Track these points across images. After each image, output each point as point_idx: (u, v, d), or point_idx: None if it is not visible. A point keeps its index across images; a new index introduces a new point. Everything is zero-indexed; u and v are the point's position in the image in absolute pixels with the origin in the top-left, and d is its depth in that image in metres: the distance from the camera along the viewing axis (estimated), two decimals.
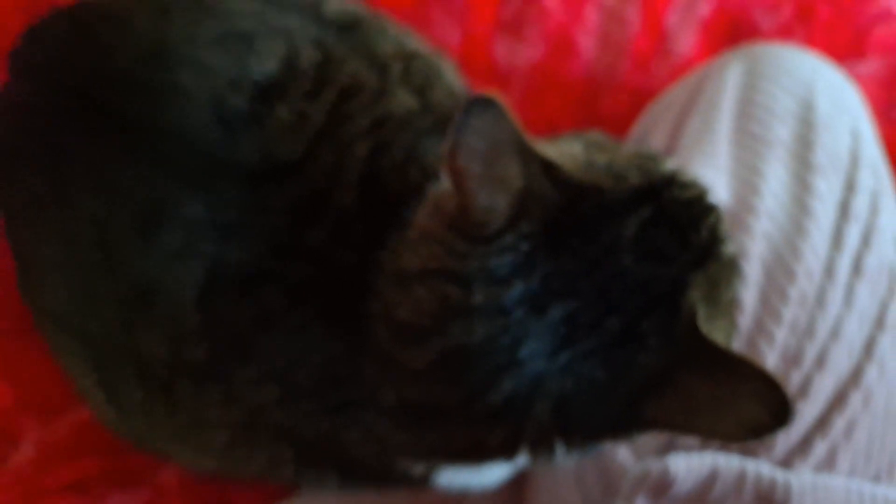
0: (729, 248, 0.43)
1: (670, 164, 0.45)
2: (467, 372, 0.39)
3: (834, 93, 0.61)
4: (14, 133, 0.51)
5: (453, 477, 0.48)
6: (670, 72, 0.77)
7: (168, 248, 0.45)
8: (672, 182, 0.43)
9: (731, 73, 0.62)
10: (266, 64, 0.48)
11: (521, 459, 0.43)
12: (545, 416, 0.39)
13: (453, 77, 0.60)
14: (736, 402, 0.37)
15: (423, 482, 0.49)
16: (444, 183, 0.42)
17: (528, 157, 0.38)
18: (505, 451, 0.42)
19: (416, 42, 0.60)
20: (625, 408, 0.39)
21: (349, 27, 0.55)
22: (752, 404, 0.37)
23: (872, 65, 0.79)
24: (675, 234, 0.41)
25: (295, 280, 0.45)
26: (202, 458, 0.54)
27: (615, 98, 0.77)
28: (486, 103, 0.36)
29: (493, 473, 0.50)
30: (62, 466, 0.65)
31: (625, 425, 0.41)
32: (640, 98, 0.75)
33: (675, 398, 0.39)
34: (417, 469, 0.47)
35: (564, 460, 0.44)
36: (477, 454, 0.43)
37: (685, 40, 0.79)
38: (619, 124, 0.72)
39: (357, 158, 0.47)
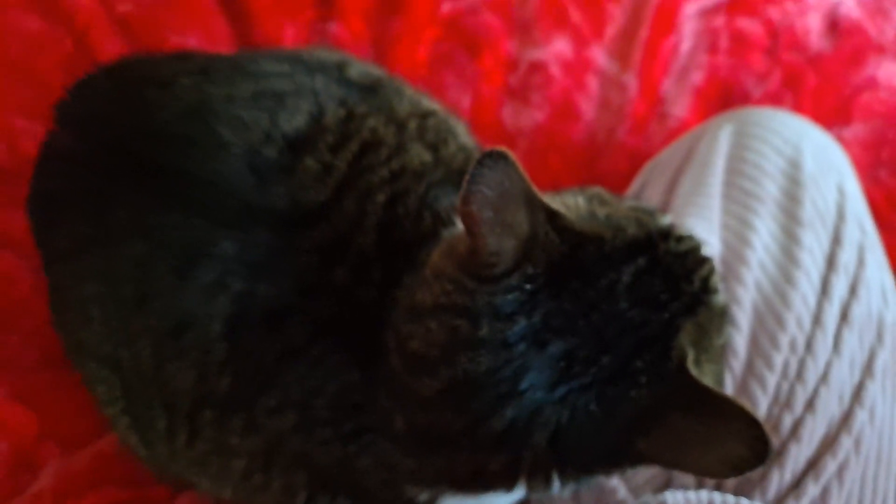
0: (720, 298, 0.46)
1: (666, 219, 0.48)
2: (472, 400, 0.42)
3: (820, 152, 0.65)
4: (60, 180, 0.56)
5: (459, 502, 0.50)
6: (666, 135, 0.81)
7: (200, 284, 0.49)
8: (668, 235, 0.46)
9: (722, 133, 0.66)
10: (295, 119, 0.53)
11: (519, 490, 0.45)
12: (542, 444, 0.42)
13: (465, 135, 0.64)
14: (719, 440, 0.39)
15: None
16: (458, 227, 0.46)
17: (535, 206, 0.42)
18: (504, 478, 0.44)
19: (431, 102, 0.65)
20: (616, 440, 0.41)
21: (370, 88, 0.59)
22: (733, 442, 0.38)
23: (857, 129, 0.83)
24: (669, 283, 0.43)
25: (318, 315, 0.48)
26: (220, 487, 0.56)
27: (614, 158, 0.82)
28: (497, 156, 0.39)
29: (495, 500, 0.51)
30: (81, 496, 0.66)
31: (616, 457, 0.43)
32: (637, 158, 0.80)
33: (663, 434, 0.41)
34: (423, 497, 0.49)
35: (560, 491, 0.45)
36: (478, 481, 0.45)
37: (680, 105, 0.84)
38: (618, 182, 0.76)
39: (376, 206, 0.51)
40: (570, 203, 0.47)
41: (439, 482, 0.47)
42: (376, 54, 0.85)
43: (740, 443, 0.38)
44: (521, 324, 0.41)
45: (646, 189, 0.70)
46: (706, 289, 0.45)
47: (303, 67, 0.58)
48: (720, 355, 0.46)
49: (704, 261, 0.46)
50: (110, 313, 0.52)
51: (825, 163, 0.64)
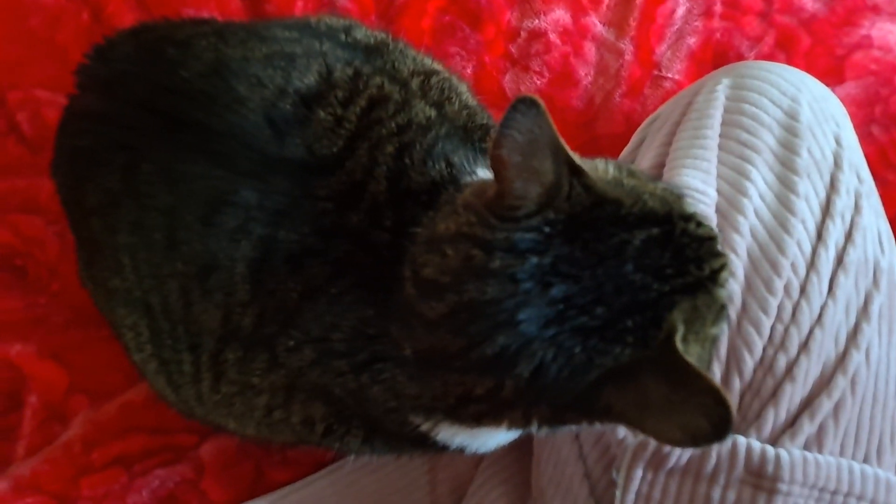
0: (724, 294, 0.45)
1: (692, 206, 0.48)
2: (470, 324, 0.42)
3: (817, 103, 0.64)
4: (86, 138, 0.56)
5: (452, 437, 0.51)
6: (661, 98, 0.80)
7: (225, 230, 0.50)
8: (690, 218, 0.45)
9: (720, 87, 0.65)
10: (307, 77, 0.53)
11: (504, 428, 0.46)
12: (525, 376, 0.42)
13: (469, 95, 0.64)
14: (685, 410, 0.39)
15: (430, 440, 0.51)
16: (478, 175, 0.48)
17: (561, 157, 0.42)
18: (488, 405, 0.44)
19: (435, 63, 0.64)
20: (589, 388, 0.42)
21: (375, 49, 0.60)
22: (698, 414, 0.38)
23: (850, 87, 0.81)
24: (677, 260, 0.43)
25: (336, 257, 0.49)
26: (244, 425, 0.57)
27: (611, 121, 0.81)
28: (530, 102, 0.39)
29: (487, 439, 0.52)
30: (108, 444, 0.66)
31: (585, 405, 0.43)
32: (633, 121, 0.79)
33: (632, 393, 0.41)
34: (425, 426, 0.50)
35: (538, 432, 0.46)
36: (466, 407, 0.45)
37: (675, 69, 0.83)
38: (615, 144, 0.75)
39: (386, 156, 0.51)
40: (599, 167, 0.47)
41: (435, 408, 0.48)
42: (382, 26, 0.84)
43: (704, 416, 0.38)
44: (532, 261, 0.41)
45: (645, 143, 0.68)
46: (714, 279, 0.44)
47: (311, 32, 0.59)
48: (710, 344, 0.45)
49: (720, 255, 0.46)
50: (141, 260, 0.53)
51: (822, 113, 0.63)
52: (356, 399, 0.51)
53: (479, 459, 0.68)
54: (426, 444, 0.52)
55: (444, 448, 0.52)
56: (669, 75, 0.81)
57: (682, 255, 0.43)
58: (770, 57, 0.82)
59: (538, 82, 0.81)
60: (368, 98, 0.53)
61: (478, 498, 0.66)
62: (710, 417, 0.38)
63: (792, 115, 0.62)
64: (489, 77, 0.82)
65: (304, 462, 0.69)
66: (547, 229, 0.42)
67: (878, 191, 0.65)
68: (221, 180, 0.50)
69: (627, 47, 0.82)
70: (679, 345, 0.40)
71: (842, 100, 0.66)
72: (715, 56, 0.82)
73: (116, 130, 0.53)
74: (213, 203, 0.50)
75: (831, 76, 0.81)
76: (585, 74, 0.82)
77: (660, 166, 0.64)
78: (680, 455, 0.54)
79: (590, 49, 0.82)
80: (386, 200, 0.49)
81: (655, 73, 0.81)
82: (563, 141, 0.42)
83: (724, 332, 0.47)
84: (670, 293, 0.42)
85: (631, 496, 0.56)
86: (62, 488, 0.64)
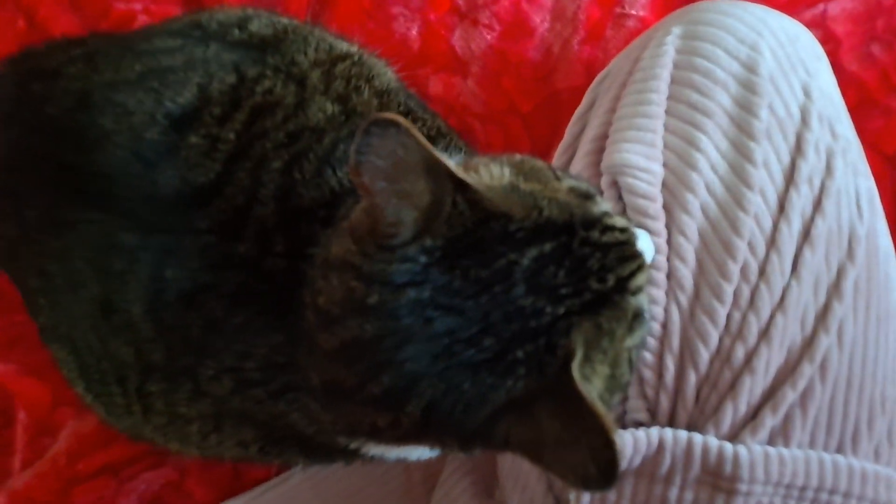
0: (638, 301, 0.40)
1: (603, 205, 0.42)
2: (357, 362, 0.40)
3: (783, 48, 0.54)
4: None
5: (385, 452, 0.49)
6: (624, 40, 0.70)
7: (112, 272, 0.48)
8: (594, 224, 0.40)
9: (669, 38, 0.55)
10: (181, 96, 0.49)
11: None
12: (417, 413, 0.39)
13: (385, 77, 0.57)
14: (574, 449, 0.36)
15: (365, 455, 0.50)
16: None
17: (439, 174, 0.37)
18: (394, 435, 0.42)
19: (348, 46, 0.57)
20: (483, 423, 0.38)
21: (265, 45, 0.54)
22: (586, 457, 0.35)
23: (847, 2, 0.67)
24: (575, 276, 0.38)
25: (229, 289, 0.46)
26: (186, 448, 0.57)
27: (570, 72, 0.71)
28: (386, 123, 0.35)
29: (423, 451, 0.50)
30: (93, 455, 0.68)
31: (484, 437, 0.39)
32: (593, 71, 0.69)
33: (527, 427, 0.38)
34: (353, 445, 0.48)
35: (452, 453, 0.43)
36: (380, 434, 0.43)
37: (639, 4, 0.71)
38: (575, 100, 0.65)
39: (272, 173, 0.47)
40: (494, 172, 0.41)
41: (355, 433, 0.46)
42: None
43: (591, 460, 0.35)
44: (410, 296, 0.38)
45: (594, 107, 0.59)
46: (621, 288, 0.39)
47: (198, 36, 0.53)
48: (625, 358, 0.40)
49: (630, 258, 0.40)
50: (53, 302, 0.52)
51: (789, 60, 0.53)
52: (281, 422, 0.49)
53: None
54: (363, 457, 0.50)
55: (382, 459, 0.50)
56: (633, 12, 0.70)
57: (581, 270, 0.38)
58: None
59: (489, 37, 0.72)
60: (251, 109, 0.49)
61: (448, 485, 0.65)
62: (598, 461, 0.35)
63: (751, 68, 0.52)
64: (436, 37, 0.73)
65: None
66: (423, 259, 0.38)
67: (880, 122, 0.55)
68: (102, 224, 0.47)
69: None
70: (576, 372, 0.36)
71: (836, 18, 0.55)
72: None
73: (4, 175, 0.51)
74: (97, 248, 0.48)
75: None
76: (541, 21, 0.72)
77: (602, 138, 0.55)
78: (632, 456, 0.50)
79: None
80: (275, 224, 0.46)
81: (618, 10, 0.70)
82: (438, 154, 0.36)
83: (643, 339, 0.42)
84: (566, 315, 0.37)
85: (586, 497, 0.52)
86: (55, 499, 0.67)
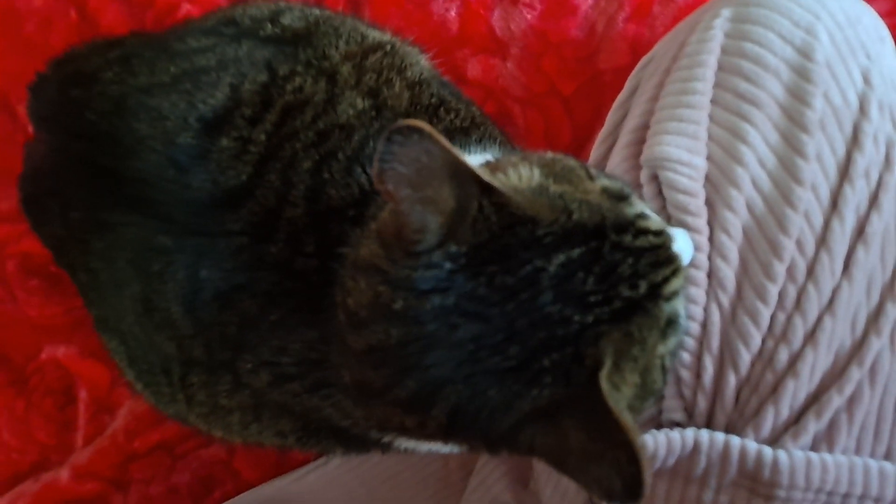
0: (672, 306, 0.39)
1: (637, 207, 0.40)
2: (382, 366, 0.40)
3: (841, 31, 0.49)
4: (34, 185, 0.56)
5: (418, 445, 0.49)
6: (673, 18, 0.65)
7: (151, 273, 0.49)
8: (627, 227, 0.38)
9: (718, 21, 0.51)
10: (214, 98, 0.49)
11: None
12: (443, 417, 0.39)
13: (419, 66, 0.55)
14: (600, 462, 0.35)
15: (398, 447, 0.50)
16: None
17: (465, 179, 0.36)
18: (422, 434, 0.42)
19: (381, 34, 0.56)
20: (508, 430, 0.38)
21: (298, 40, 0.53)
22: (610, 470, 0.34)
23: None
24: (605, 282, 0.37)
25: (263, 288, 0.47)
26: (229, 435, 0.58)
27: (615, 52, 0.68)
28: (409, 130, 0.35)
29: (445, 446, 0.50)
30: (148, 432, 0.71)
31: (510, 442, 0.39)
32: (640, 50, 0.65)
33: (552, 436, 0.37)
34: (386, 438, 0.49)
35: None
36: (405, 432, 0.43)
37: None
38: (621, 81, 0.62)
39: (302, 175, 0.47)
40: (522, 173, 0.40)
41: (386, 430, 0.46)
42: None
43: (616, 474, 0.34)
44: (435, 302, 0.37)
45: (636, 96, 0.56)
46: (654, 294, 0.38)
47: (231, 34, 0.53)
48: (657, 366, 0.39)
49: (665, 262, 0.39)
50: (101, 297, 0.54)
51: (848, 44, 0.48)
52: (317, 416, 0.50)
53: None
54: (397, 449, 0.51)
55: (415, 451, 0.51)
56: None
57: (612, 276, 0.37)
58: None
59: (529, 16, 0.69)
60: (282, 108, 0.48)
61: (484, 473, 0.65)
62: (623, 476, 0.34)
63: (805, 54, 0.48)
64: (475, 17, 0.71)
65: None
66: (448, 265, 0.37)
67: None
68: (140, 227, 0.48)
69: None
70: (604, 383, 0.35)
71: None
72: None
73: (51, 177, 0.53)
74: (136, 250, 0.49)
75: None
76: None
77: (643, 128, 0.53)
78: (665, 456, 0.49)
79: None
80: (306, 225, 0.46)
81: None
82: (463, 158, 0.35)
83: (678, 345, 0.40)
84: (595, 324, 0.36)
85: None
86: (115, 474, 0.71)
